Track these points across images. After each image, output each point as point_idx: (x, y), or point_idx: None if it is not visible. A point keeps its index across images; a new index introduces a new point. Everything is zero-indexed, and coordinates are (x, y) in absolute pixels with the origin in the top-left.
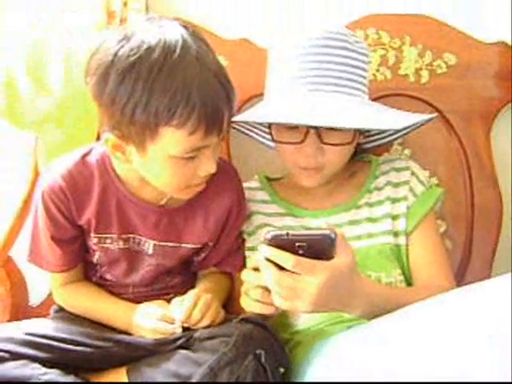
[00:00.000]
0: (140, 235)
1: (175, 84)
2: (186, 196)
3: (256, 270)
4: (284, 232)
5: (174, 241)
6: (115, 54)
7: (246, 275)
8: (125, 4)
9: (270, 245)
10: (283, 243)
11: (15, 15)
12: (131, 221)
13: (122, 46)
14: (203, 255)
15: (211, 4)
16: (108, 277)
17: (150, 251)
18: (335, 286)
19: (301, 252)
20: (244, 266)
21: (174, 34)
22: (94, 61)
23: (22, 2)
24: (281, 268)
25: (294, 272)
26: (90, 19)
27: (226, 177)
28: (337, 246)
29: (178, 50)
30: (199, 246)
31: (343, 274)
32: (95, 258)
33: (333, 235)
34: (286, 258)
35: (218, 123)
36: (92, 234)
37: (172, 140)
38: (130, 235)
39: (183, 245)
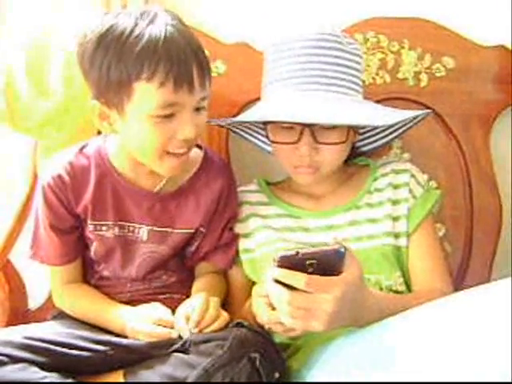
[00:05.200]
0: (134, 222)
1: (143, 42)
2: (169, 170)
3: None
4: (293, 251)
5: (167, 226)
6: (95, 26)
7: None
8: (124, 7)
9: (279, 266)
10: (293, 263)
11: (15, 17)
12: (126, 208)
13: (102, 21)
14: (195, 245)
15: (210, 8)
16: (105, 273)
17: (145, 237)
18: (348, 301)
19: (310, 270)
20: (235, 263)
21: (150, 10)
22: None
23: (21, 3)
24: (291, 288)
25: (305, 291)
26: (90, 21)
27: (216, 166)
28: (345, 260)
29: (150, 17)
30: (191, 231)
31: (355, 288)
32: (92, 250)
33: (342, 250)
34: (298, 278)
35: (186, 77)
36: (88, 221)
37: (145, 95)
38: (125, 223)
39: (176, 230)
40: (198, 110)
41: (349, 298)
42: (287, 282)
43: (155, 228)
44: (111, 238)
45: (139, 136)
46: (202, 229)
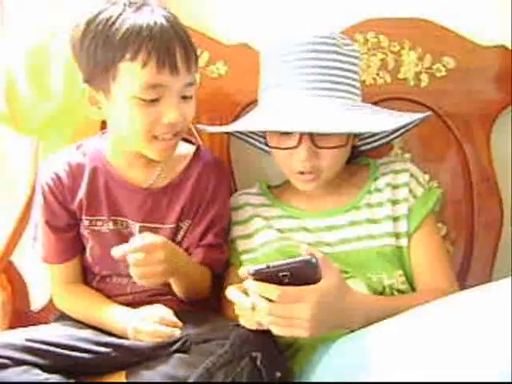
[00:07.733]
0: (127, 217)
1: (128, 26)
2: (158, 153)
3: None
4: (264, 265)
5: (157, 222)
6: (86, 14)
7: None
8: None
9: (255, 279)
10: (267, 276)
11: (15, 18)
12: (118, 203)
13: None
14: (177, 240)
15: (211, 9)
16: (105, 272)
17: (137, 233)
18: (327, 307)
19: (286, 281)
20: (228, 265)
21: (138, 0)
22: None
23: (22, 5)
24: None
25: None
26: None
27: (207, 163)
28: (321, 268)
29: (137, 5)
30: (172, 225)
31: (332, 294)
32: (88, 250)
33: (313, 260)
34: (271, 291)
35: (168, 56)
36: (84, 217)
37: (129, 75)
38: (118, 218)
39: (165, 226)
40: (184, 98)
41: (328, 303)
42: (262, 294)
43: (146, 224)
44: (107, 233)
45: (125, 119)
46: (181, 224)
